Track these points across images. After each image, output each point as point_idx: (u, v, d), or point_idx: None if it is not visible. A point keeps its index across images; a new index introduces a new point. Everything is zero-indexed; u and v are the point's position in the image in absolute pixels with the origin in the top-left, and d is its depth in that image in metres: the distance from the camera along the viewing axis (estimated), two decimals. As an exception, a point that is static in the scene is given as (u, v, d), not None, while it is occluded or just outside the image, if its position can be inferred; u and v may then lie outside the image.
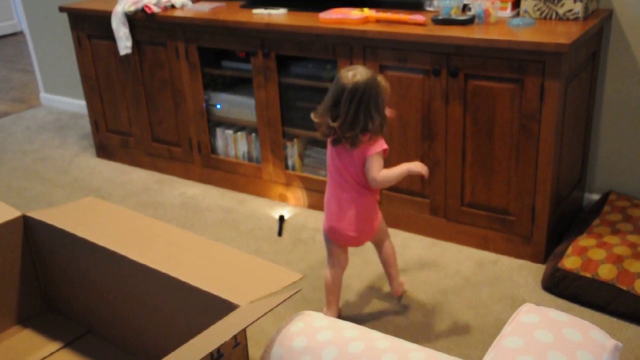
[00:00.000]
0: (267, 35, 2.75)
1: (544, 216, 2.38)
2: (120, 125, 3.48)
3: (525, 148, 2.31)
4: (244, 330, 1.48)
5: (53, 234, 2.00)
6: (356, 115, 1.89)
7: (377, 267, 2.44)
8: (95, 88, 3.47)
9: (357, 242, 2.11)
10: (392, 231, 2.71)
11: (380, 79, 1.94)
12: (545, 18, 2.44)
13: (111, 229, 1.98)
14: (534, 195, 2.36)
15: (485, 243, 2.55)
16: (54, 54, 4.42)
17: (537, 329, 1.07)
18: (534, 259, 2.46)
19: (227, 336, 1.37)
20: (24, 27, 4.52)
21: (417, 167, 2.00)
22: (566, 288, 2.23)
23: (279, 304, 1.49)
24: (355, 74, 1.90)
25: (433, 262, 2.51)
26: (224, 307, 1.57)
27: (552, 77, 2.17)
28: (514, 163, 2.36)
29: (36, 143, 3.97)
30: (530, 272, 2.40)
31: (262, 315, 1.45)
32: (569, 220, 2.65)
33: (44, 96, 4.69)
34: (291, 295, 1.52)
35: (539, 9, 2.44)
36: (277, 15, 2.79)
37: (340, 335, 1.32)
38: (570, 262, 2.24)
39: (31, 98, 4.87)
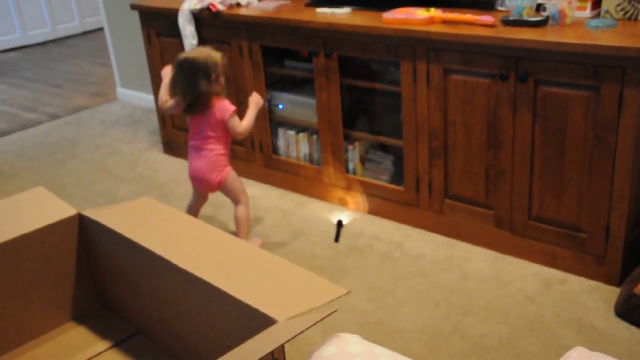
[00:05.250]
0: (329, 35, 2.67)
1: (619, 235, 2.18)
2: (186, 122, 3.50)
3: (600, 161, 2.13)
4: (281, 347, 1.43)
5: (105, 233, 2.01)
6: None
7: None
8: (163, 85, 3.51)
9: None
10: (452, 242, 2.60)
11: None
12: (629, 19, 2.23)
13: (161, 232, 1.97)
14: (609, 212, 2.17)
15: (553, 260, 2.38)
16: (129, 50, 4.53)
17: (586, 380, 0.95)
18: (608, 280, 2.27)
19: (262, 352, 1.32)
20: (104, 23, 4.65)
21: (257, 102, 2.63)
22: (641, 316, 2.04)
23: (314, 324, 1.43)
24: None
25: (495, 278, 2.36)
26: (262, 321, 1.52)
27: (632, 85, 1.98)
28: (587, 176, 2.18)
29: (108, 137, 4.08)
30: (602, 295, 2.22)
31: (297, 335, 1.39)
32: (649, 239, 2.43)
33: (120, 90, 4.82)
34: (326, 316, 1.44)
35: (622, 9, 2.24)
36: (341, 14, 2.71)
37: (373, 365, 1.24)
38: (646, 287, 2.05)
39: (108, 92, 5.02)
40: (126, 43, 4.52)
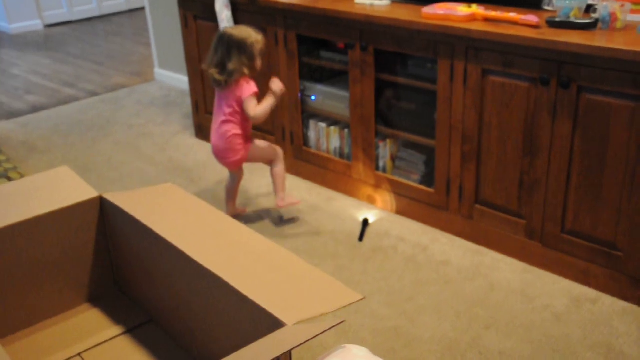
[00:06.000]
0: (367, 27, 2.58)
1: (658, 256, 2.06)
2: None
3: (643, 177, 2.00)
4: (288, 352, 1.38)
5: (124, 218, 1.99)
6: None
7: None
8: (198, 69, 3.48)
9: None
10: (480, 250, 2.50)
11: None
12: (686, 26, 2.09)
13: (180, 222, 1.93)
14: (648, 231, 2.05)
15: (585, 277, 2.26)
16: (169, 31, 4.51)
17: None
18: (642, 303, 2.15)
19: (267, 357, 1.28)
20: (145, 2, 4.64)
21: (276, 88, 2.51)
22: (675, 344, 1.92)
23: (322, 332, 1.37)
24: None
25: (522, 291, 2.26)
26: (271, 323, 1.47)
27: (684, 98, 1.85)
28: (627, 191, 2.05)
29: (143, 118, 4.07)
30: (635, 319, 2.10)
31: (303, 343, 1.33)
32: (691, 261, 2.29)
33: (158, 71, 4.81)
34: (335, 326, 1.38)
35: (679, 15, 2.09)
36: (380, 6, 2.62)
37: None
38: (683, 314, 1.92)
39: (147, 72, 5.03)
40: (166, 24, 4.51)
